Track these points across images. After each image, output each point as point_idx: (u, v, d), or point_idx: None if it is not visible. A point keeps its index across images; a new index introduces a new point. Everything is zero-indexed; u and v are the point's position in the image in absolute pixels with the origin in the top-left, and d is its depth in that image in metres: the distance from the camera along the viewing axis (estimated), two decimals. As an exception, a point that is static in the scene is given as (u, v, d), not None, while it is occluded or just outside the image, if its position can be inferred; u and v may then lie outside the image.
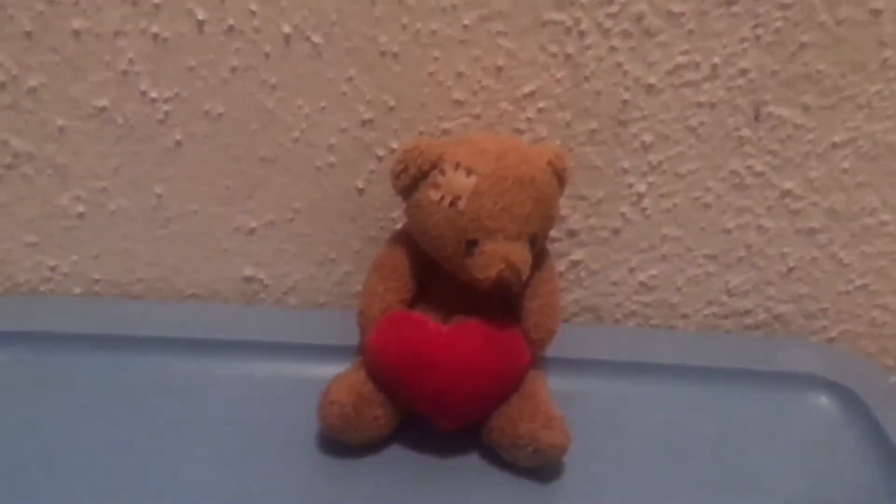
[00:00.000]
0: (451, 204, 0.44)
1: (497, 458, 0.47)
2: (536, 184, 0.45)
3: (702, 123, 0.53)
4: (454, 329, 0.47)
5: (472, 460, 0.48)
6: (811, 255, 0.58)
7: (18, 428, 0.47)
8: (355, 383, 0.46)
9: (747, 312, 0.61)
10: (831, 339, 0.62)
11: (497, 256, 0.44)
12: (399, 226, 0.55)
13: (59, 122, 0.52)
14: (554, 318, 0.49)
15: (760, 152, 0.54)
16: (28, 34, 0.49)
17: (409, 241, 0.48)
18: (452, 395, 0.45)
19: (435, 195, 0.44)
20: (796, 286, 0.60)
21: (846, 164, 0.55)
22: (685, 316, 0.61)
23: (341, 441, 0.46)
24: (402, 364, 0.45)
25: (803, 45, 0.51)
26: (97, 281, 0.58)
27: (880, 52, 0.51)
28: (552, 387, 0.49)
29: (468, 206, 0.44)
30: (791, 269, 0.59)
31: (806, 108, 0.53)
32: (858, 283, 0.60)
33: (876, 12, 0.49)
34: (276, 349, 0.54)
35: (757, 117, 0.53)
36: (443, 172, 0.44)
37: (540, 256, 0.48)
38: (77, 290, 0.58)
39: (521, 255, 0.45)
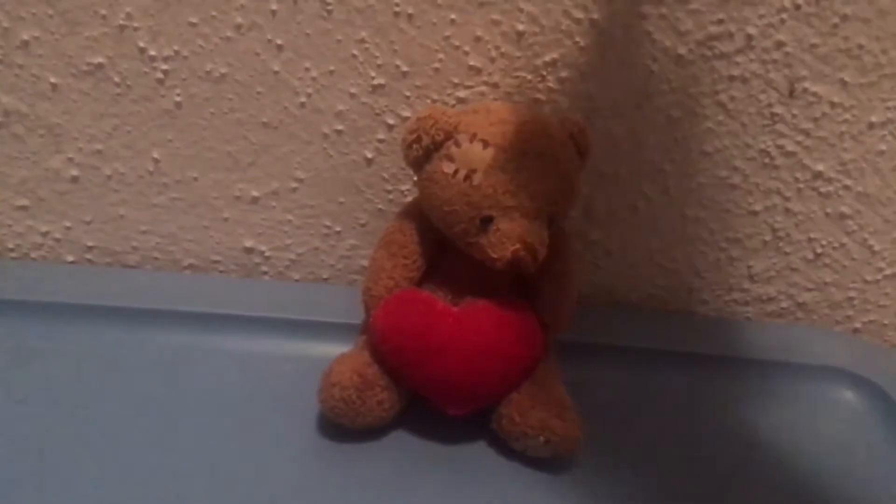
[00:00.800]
0: (466, 178, 0.41)
1: (506, 446, 0.45)
2: (557, 159, 0.42)
3: (732, 98, 0.50)
4: (464, 310, 0.44)
5: (479, 448, 0.45)
6: (840, 241, 0.56)
7: (1, 399, 0.45)
8: (359, 365, 0.43)
9: (770, 299, 0.58)
10: (856, 330, 0.60)
11: (513, 235, 0.41)
12: (409, 199, 0.52)
13: (52, 79, 0.49)
14: (570, 302, 0.47)
15: (793, 131, 0.51)
16: (20, -16, 0.46)
17: (419, 215, 0.45)
18: (460, 380, 0.43)
19: (449, 168, 0.42)
20: (823, 273, 0.57)
21: (883, 147, 0.52)
22: (704, 301, 0.59)
23: (342, 425, 0.44)
24: (408, 346, 0.43)
25: (845, 18, 0.47)
26: (90, 248, 0.55)
27: (926, 27, 0.48)
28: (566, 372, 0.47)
29: (484, 180, 0.41)
30: (818, 256, 0.56)
31: (844, 85, 0.50)
32: (888, 271, 0.57)
33: (924, -16, 0.46)
34: (275, 325, 0.51)
35: (791, 93, 0.50)
36: (458, 144, 0.42)
37: (558, 235, 0.45)
38: (69, 258, 0.56)
39: (538, 234, 0.42)
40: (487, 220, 0.42)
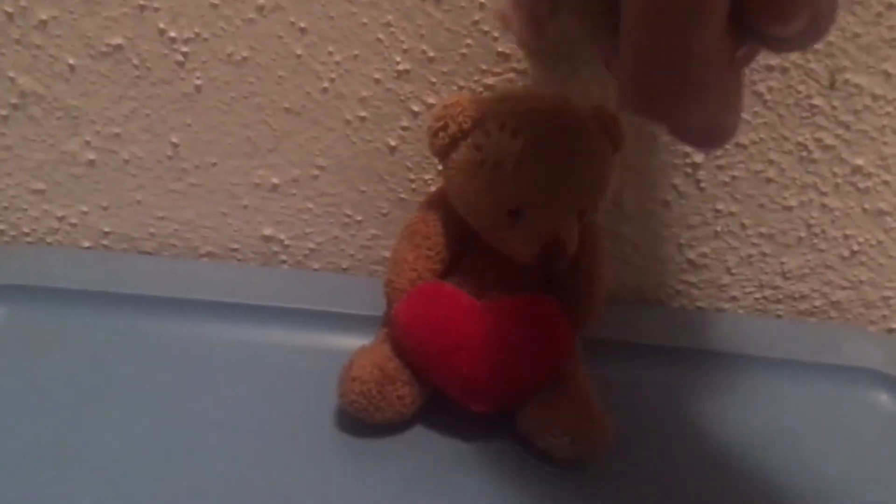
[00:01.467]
0: (495, 168, 0.39)
1: (531, 446, 0.43)
2: (589, 151, 0.41)
3: (770, 89, 0.48)
4: (489, 305, 0.43)
5: (503, 447, 0.44)
6: (877, 238, 0.54)
7: (14, 387, 0.44)
8: (380, 359, 0.42)
9: (802, 297, 0.57)
10: (891, 330, 0.58)
11: (543, 229, 0.40)
12: (433, 188, 0.51)
13: (70, 59, 0.48)
14: (599, 300, 0.45)
15: (832, 124, 0.49)
16: (38, -39, 0.45)
17: (444, 206, 0.44)
18: (484, 377, 0.42)
19: (476, 157, 0.40)
20: (858, 271, 0.55)
21: (926, 141, 0.50)
22: (734, 298, 0.57)
23: (362, 420, 0.42)
24: (431, 340, 0.42)
25: (890, 6, 0.46)
26: (107, 234, 0.54)
27: (977, 16, 0.46)
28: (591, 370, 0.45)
29: (514, 171, 0.39)
30: (854, 253, 0.54)
31: (887, 77, 0.48)
32: (926, 271, 0.55)
33: (976, -29, 0.44)
34: (294, 315, 0.50)
35: (832, 85, 0.48)
36: (487, 133, 0.40)
37: (589, 231, 0.43)
38: (86, 244, 0.55)
39: (569, 229, 0.40)
40: (516, 214, 0.40)
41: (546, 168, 0.39)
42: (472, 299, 0.43)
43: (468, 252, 0.45)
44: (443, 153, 0.42)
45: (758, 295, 0.57)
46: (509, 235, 0.41)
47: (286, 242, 0.55)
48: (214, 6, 0.46)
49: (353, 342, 0.45)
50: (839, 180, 0.51)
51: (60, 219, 0.54)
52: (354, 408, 0.42)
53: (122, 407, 0.43)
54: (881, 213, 0.53)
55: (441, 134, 0.41)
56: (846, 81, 0.48)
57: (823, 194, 0.52)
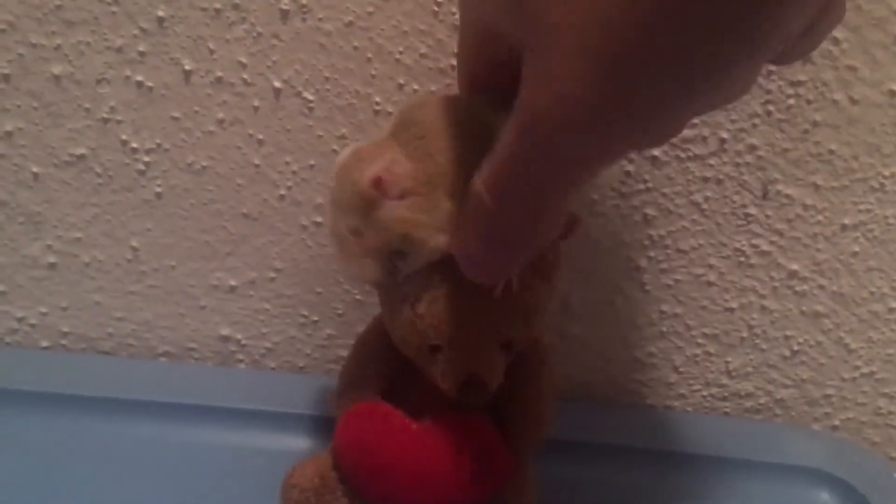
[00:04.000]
0: (412, 305, 0.38)
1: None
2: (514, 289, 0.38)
3: (707, 199, 0.51)
4: (424, 428, 0.42)
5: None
6: (816, 339, 0.56)
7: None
8: (322, 468, 0.42)
9: (748, 395, 0.58)
10: (835, 427, 0.59)
11: (460, 366, 0.38)
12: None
13: (35, 168, 0.50)
14: (541, 423, 0.44)
15: (767, 231, 0.52)
16: (6, 77, 0.47)
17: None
18: (417, 500, 0.41)
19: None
20: (800, 370, 0.57)
21: (856, 248, 0.52)
22: (682, 396, 0.58)
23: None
24: (361, 462, 0.41)
25: (815, 124, 0.48)
26: (66, 334, 0.55)
27: None
28: (538, 469, 0.46)
29: (427, 309, 0.37)
30: (795, 353, 0.56)
31: (816, 189, 0.50)
32: (865, 370, 0.57)
33: (892, 93, 0.47)
34: (249, 416, 0.51)
35: (765, 195, 0.51)
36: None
37: (533, 356, 0.43)
38: (44, 343, 0.55)
39: (488, 364, 0.38)
40: (435, 349, 0.38)
41: (463, 305, 0.37)
42: (407, 422, 0.42)
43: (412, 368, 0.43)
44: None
45: (705, 393, 0.58)
46: (430, 370, 0.39)
47: (243, 342, 0.56)
48: (175, 119, 0.48)
49: (306, 443, 0.45)
50: (776, 284, 0.54)
51: (20, 320, 0.54)
52: None
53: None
54: (818, 314, 0.55)
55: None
56: (778, 192, 0.51)
57: (762, 297, 0.54)
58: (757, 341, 0.56)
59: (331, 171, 0.36)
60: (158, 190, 0.50)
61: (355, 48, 0.46)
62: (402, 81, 0.47)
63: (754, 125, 0.48)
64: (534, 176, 0.28)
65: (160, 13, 0.46)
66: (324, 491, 0.42)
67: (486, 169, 0.30)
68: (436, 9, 0.45)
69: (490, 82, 0.35)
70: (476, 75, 0.36)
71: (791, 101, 0.48)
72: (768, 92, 0.47)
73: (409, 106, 0.38)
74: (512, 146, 0.28)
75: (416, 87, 0.47)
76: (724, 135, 0.49)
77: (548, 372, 0.44)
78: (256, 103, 0.48)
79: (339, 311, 0.55)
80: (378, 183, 0.35)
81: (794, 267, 0.53)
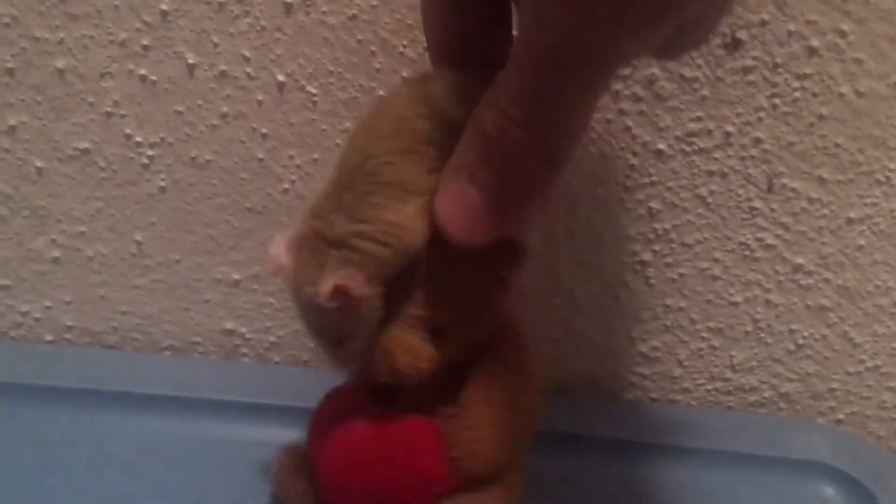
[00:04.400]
0: None
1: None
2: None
3: (712, 192, 0.51)
4: (372, 421, 0.38)
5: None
6: (821, 333, 0.56)
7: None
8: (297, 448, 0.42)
9: (752, 389, 0.58)
10: (839, 421, 0.59)
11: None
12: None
13: (38, 163, 0.50)
14: (483, 441, 0.37)
15: (772, 225, 0.52)
16: (9, 71, 0.47)
17: None
18: (347, 491, 0.39)
19: None
20: (805, 364, 0.57)
21: (861, 241, 0.52)
22: (686, 390, 0.58)
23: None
24: (313, 441, 0.40)
25: (821, 117, 0.48)
26: (70, 328, 0.55)
27: (901, 127, 0.48)
28: (541, 463, 0.46)
29: None
30: (799, 347, 0.56)
31: (822, 182, 0.50)
32: (869, 364, 0.57)
33: (898, 87, 0.47)
34: (255, 410, 0.51)
35: (770, 189, 0.50)
36: None
37: (499, 356, 0.38)
38: (48, 337, 0.55)
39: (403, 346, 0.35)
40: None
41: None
42: (364, 415, 0.39)
43: None
44: None
45: (709, 387, 0.58)
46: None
47: (247, 336, 0.56)
48: (179, 113, 0.48)
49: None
50: (781, 278, 0.54)
51: (24, 313, 0.55)
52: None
53: (81, 502, 0.44)
54: (823, 308, 0.55)
55: None
56: (783, 186, 0.50)
57: (767, 291, 0.54)
58: (762, 335, 0.56)
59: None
60: (162, 184, 0.50)
61: (359, 42, 0.46)
62: (405, 75, 0.47)
63: (760, 118, 0.48)
64: (567, 83, 0.27)
65: (163, 7, 0.46)
66: (294, 470, 0.41)
67: (504, 99, 0.28)
68: (440, 2, 0.45)
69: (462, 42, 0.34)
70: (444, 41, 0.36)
71: (797, 95, 0.47)
72: (774, 85, 0.47)
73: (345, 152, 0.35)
74: (536, 58, 0.27)
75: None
76: (730, 128, 0.48)
77: (504, 380, 0.39)
78: (260, 97, 0.48)
79: (343, 305, 0.55)
80: (340, 295, 0.32)
81: (800, 261, 0.53)
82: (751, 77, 0.47)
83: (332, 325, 0.34)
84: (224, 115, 0.48)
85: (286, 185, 0.51)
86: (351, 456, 0.39)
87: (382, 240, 0.32)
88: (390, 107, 0.34)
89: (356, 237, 0.32)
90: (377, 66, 0.47)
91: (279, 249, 0.35)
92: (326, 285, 0.32)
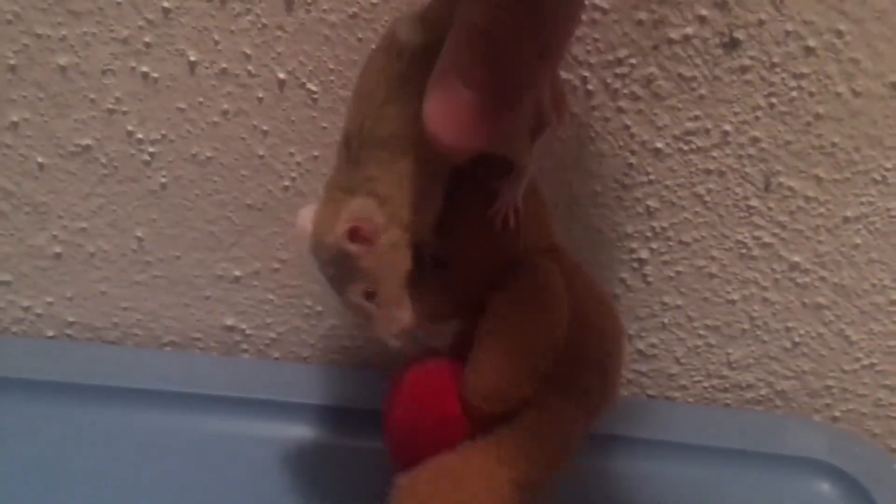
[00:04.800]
0: None
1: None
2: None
3: (709, 191, 0.51)
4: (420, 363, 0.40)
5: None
6: (817, 330, 0.56)
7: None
8: None
9: (749, 387, 0.58)
10: (835, 418, 0.60)
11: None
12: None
13: (40, 159, 0.50)
14: (484, 378, 0.37)
15: (769, 223, 0.52)
16: (12, 67, 0.47)
17: None
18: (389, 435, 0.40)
19: None
20: (801, 362, 0.57)
21: (858, 240, 0.52)
22: (684, 387, 0.59)
23: None
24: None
25: (818, 117, 0.49)
26: (71, 324, 0.55)
27: (898, 127, 0.49)
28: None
29: None
30: (796, 345, 0.57)
31: (818, 181, 0.51)
32: (865, 361, 0.57)
33: (895, 86, 0.47)
34: (255, 405, 0.51)
35: (767, 187, 0.51)
36: None
37: (502, 293, 0.37)
38: (50, 333, 0.56)
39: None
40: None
41: None
42: (418, 367, 0.40)
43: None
44: None
45: (706, 384, 0.58)
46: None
47: (247, 332, 0.56)
48: (181, 110, 0.49)
49: (313, 433, 0.46)
50: (778, 276, 0.54)
51: (26, 309, 0.55)
52: None
53: (82, 499, 0.44)
54: (820, 306, 0.55)
55: None
56: (780, 185, 0.51)
57: (764, 289, 0.54)
58: (758, 333, 0.56)
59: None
60: (163, 180, 0.51)
61: (360, 40, 0.46)
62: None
63: (757, 118, 0.49)
64: None
65: (165, 4, 0.46)
66: None
67: None
68: None
69: None
70: None
71: (794, 94, 0.48)
72: (771, 84, 0.48)
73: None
74: None
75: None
76: (727, 127, 0.49)
77: (533, 306, 0.38)
78: (261, 94, 0.48)
79: (343, 302, 0.55)
80: (355, 235, 0.34)
81: (796, 259, 0.53)
82: (748, 76, 0.47)
83: (359, 275, 0.35)
84: (225, 113, 0.49)
85: (287, 182, 0.51)
86: (392, 405, 0.40)
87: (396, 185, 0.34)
88: (369, 64, 0.35)
89: (369, 181, 0.34)
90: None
91: (305, 221, 0.36)
92: (342, 224, 0.33)
